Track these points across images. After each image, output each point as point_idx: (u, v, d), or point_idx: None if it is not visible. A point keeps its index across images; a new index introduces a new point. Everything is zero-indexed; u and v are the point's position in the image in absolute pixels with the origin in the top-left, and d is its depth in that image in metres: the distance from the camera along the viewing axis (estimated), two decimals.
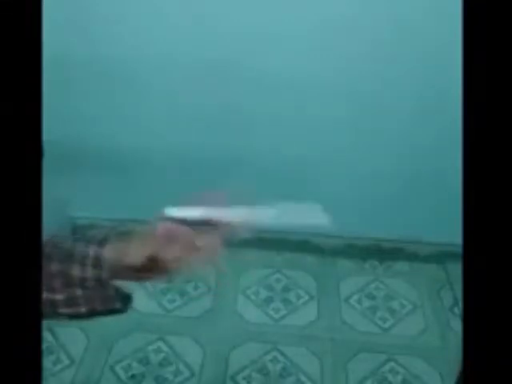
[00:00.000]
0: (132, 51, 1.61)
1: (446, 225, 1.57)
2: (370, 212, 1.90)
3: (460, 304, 1.83)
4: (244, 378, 1.59)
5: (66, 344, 1.66)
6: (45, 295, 0.64)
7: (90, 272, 0.63)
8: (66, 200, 1.94)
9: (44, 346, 1.63)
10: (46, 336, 1.66)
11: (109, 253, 0.64)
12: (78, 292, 0.64)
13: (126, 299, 0.68)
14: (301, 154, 1.78)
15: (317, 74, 1.61)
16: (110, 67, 1.64)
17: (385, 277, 1.96)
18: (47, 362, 1.59)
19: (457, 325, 1.76)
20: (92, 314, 0.66)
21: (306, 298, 1.86)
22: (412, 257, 2.00)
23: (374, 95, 1.65)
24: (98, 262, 0.63)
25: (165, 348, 1.67)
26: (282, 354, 1.66)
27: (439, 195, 1.80)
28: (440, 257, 1.98)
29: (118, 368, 1.61)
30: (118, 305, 0.66)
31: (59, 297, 0.64)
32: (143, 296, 1.84)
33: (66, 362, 1.61)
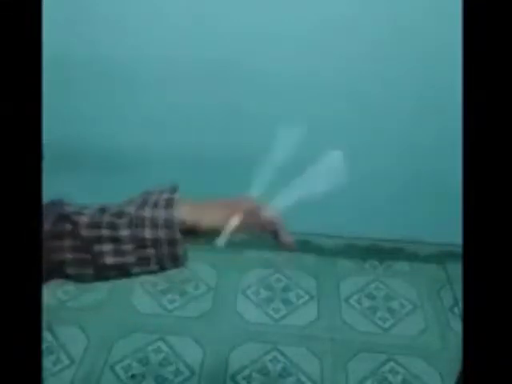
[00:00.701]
0: (132, 51, 1.61)
1: (446, 225, 1.57)
2: (370, 212, 1.90)
3: (460, 304, 1.83)
4: (244, 378, 1.59)
5: (65, 344, 1.66)
6: (114, 259, 0.66)
7: (162, 233, 0.66)
8: (66, 200, 1.94)
9: (44, 346, 1.63)
10: (46, 336, 1.66)
11: (181, 214, 0.66)
12: (150, 252, 0.66)
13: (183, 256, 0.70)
14: (301, 154, 1.78)
15: (317, 74, 1.61)
16: (110, 67, 1.64)
17: (385, 277, 1.96)
18: (47, 362, 1.59)
19: (457, 325, 1.76)
20: (161, 269, 0.68)
21: (306, 298, 1.86)
22: (412, 257, 2.00)
23: (373, 95, 1.65)
24: (170, 224, 0.65)
25: (165, 348, 1.67)
26: (282, 354, 1.66)
27: (439, 195, 1.80)
28: (440, 257, 1.99)
29: (118, 368, 1.61)
30: (182, 262, 0.68)
31: (130, 259, 0.66)
32: (143, 296, 1.84)
33: (66, 361, 1.61)
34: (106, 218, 0.67)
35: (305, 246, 2.01)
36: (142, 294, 1.84)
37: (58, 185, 1.74)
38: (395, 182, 1.83)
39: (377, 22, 1.51)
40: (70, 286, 1.81)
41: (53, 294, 1.81)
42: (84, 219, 0.67)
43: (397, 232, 1.95)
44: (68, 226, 0.66)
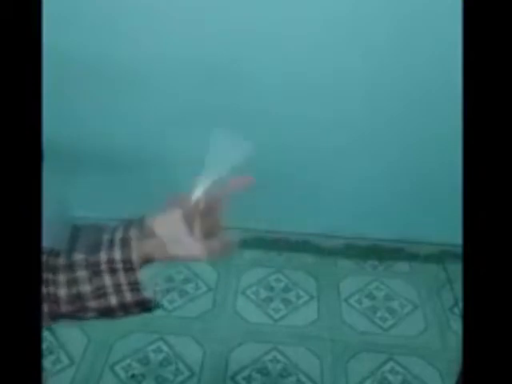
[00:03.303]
0: (132, 51, 1.61)
1: (446, 225, 1.57)
2: (370, 212, 1.90)
3: (460, 304, 1.83)
4: (244, 378, 1.59)
5: (65, 344, 1.66)
6: (69, 290, 0.63)
7: (118, 255, 0.62)
8: (65, 200, 1.94)
9: (44, 345, 1.63)
10: (46, 336, 1.66)
11: (137, 232, 0.63)
12: (107, 280, 0.62)
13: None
14: (301, 154, 1.78)
15: (317, 74, 1.61)
16: (109, 67, 1.64)
17: (385, 277, 1.96)
18: (47, 362, 1.59)
19: (457, 325, 1.76)
20: (123, 308, 0.64)
21: (306, 298, 1.86)
22: (412, 257, 2.00)
23: (374, 96, 1.65)
24: (126, 243, 0.62)
25: (165, 348, 1.67)
26: (282, 354, 1.66)
27: (439, 195, 1.80)
28: (440, 257, 1.98)
29: (117, 368, 1.61)
30: (147, 297, 0.64)
31: (85, 288, 0.62)
32: None
33: (66, 361, 1.61)
34: (61, 261, 0.64)
35: (305, 245, 2.01)
36: None
37: (57, 185, 1.74)
38: (396, 182, 1.83)
39: (377, 20, 1.51)
40: None
41: None
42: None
43: (397, 232, 1.95)
44: None
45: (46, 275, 0.63)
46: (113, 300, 0.63)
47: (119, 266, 0.62)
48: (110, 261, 0.62)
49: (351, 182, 1.84)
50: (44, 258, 0.64)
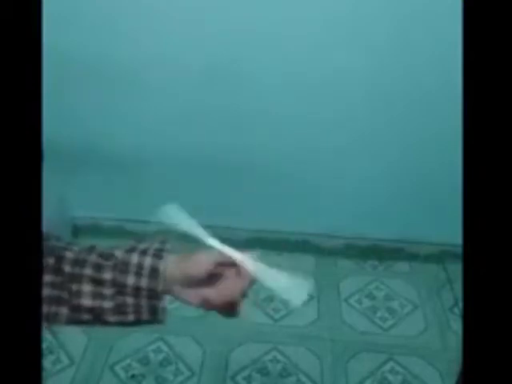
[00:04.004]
0: (132, 51, 1.61)
1: (446, 225, 1.57)
2: (370, 212, 1.90)
3: (460, 304, 1.83)
4: (244, 378, 1.59)
5: (65, 344, 1.66)
6: (92, 302, 0.65)
7: (145, 282, 0.64)
8: (66, 200, 1.94)
9: (44, 345, 1.63)
10: (46, 336, 1.66)
11: (167, 264, 0.65)
12: (129, 301, 0.65)
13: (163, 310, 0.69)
14: (301, 154, 1.78)
15: (316, 74, 1.61)
16: (109, 67, 1.64)
17: (385, 277, 1.96)
18: (47, 362, 1.59)
19: (457, 325, 1.76)
20: (137, 323, 0.67)
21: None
22: (412, 257, 2.00)
23: (374, 96, 1.65)
24: (154, 273, 0.65)
25: (165, 348, 1.67)
26: (282, 353, 1.66)
27: (440, 195, 1.80)
28: (440, 257, 1.98)
29: (117, 368, 1.61)
30: (161, 316, 0.68)
31: (108, 304, 0.65)
32: None
33: (66, 361, 1.61)
34: (92, 258, 0.66)
35: (305, 245, 2.01)
36: None
37: (57, 185, 1.75)
38: (396, 182, 1.83)
39: (379, 20, 1.51)
40: None
41: None
42: (70, 255, 0.66)
43: (397, 232, 1.95)
44: (51, 261, 0.65)
45: (71, 284, 0.65)
46: (131, 317, 0.66)
47: (144, 292, 0.65)
48: (137, 287, 0.65)
49: (351, 182, 1.84)
50: (69, 267, 0.66)
